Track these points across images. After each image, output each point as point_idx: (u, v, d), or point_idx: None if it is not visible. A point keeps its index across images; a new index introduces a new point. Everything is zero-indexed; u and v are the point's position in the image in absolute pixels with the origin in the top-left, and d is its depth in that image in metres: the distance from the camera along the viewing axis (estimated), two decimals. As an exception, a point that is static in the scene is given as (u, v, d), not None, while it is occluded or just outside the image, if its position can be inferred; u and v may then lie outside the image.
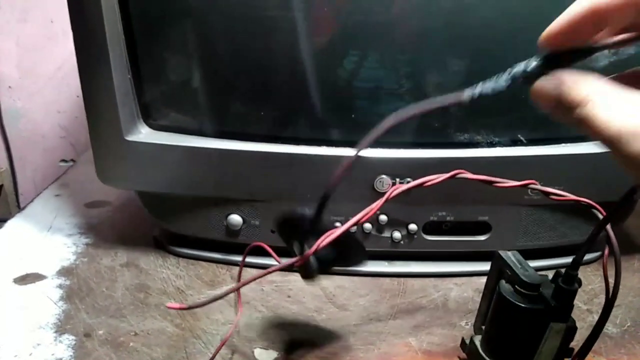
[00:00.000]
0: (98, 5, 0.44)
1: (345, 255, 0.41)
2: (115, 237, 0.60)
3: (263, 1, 0.46)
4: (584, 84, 0.23)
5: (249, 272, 0.54)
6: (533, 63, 0.25)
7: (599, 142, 0.22)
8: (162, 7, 0.47)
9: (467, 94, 0.27)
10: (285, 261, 0.34)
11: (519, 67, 0.25)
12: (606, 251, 0.35)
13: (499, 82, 0.26)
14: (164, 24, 0.48)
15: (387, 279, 0.53)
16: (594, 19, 0.23)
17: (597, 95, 0.22)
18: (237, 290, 0.42)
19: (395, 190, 0.35)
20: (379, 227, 0.53)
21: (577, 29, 0.24)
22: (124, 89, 0.48)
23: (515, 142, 0.49)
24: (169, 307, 0.36)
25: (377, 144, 0.49)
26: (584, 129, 0.23)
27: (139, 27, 0.47)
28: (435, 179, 0.36)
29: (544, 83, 0.24)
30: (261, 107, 0.50)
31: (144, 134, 0.50)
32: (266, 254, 0.54)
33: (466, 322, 0.47)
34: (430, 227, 0.52)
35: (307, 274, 0.37)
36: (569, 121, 0.23)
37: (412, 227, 0.52)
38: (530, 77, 0.25)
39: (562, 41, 0.24)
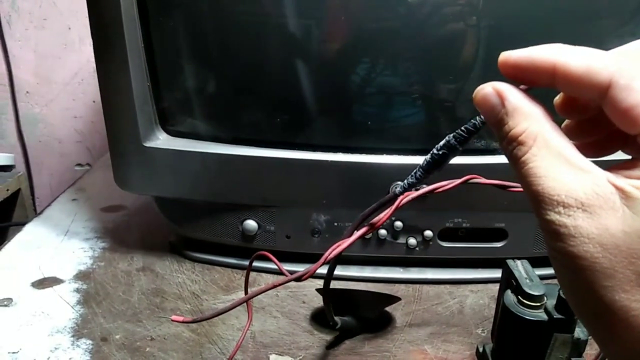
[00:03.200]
0: (118, 14, 0.45)
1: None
2: (131, 242, 0.61)
3: (280, 10, 0.46)
4: (526, 118, 0.21)
5: (262, 277, 0.55)
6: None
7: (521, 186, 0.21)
8: (180, 16, 0.48)
9: (398, 189, 0.28)
10: (292, 275, 0.33)
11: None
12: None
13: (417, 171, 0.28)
14: (182, 33, 0.48)
15: (402, 286, 0.53)
16: (549, 76, 0.21)
17: (537, 142, 0.20)
18: (246, 301, 0.41)
19: (405, 197, 0.34)
20: (394, 233, 0.52)
21: (532, 75, 0.21)
22: (142, 96, 0.48)
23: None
24: (174, 320, 0.36)
25: (391, 150, 0.50)
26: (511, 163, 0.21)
27: (157, 36, 0.47)
28: (447, 184, 0.36)
29: (487, 92, 0.22)
30: (277, 113, 0.50)
31: (162, 140, 0.50)
32: (280, 259, 0.54)
33: (482, 330, 0.47)
34: (446, 234, 0.52)
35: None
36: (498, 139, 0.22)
37: (428, 233, 0.52)
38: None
39: (514, 74, 0.22)
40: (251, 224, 0.53)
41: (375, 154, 0.49)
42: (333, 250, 0.32)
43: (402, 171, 0.48)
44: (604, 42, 0.46)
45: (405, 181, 0.29)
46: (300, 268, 0.55)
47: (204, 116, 0.52)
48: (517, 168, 0.21)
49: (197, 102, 0.51)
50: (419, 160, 0.48)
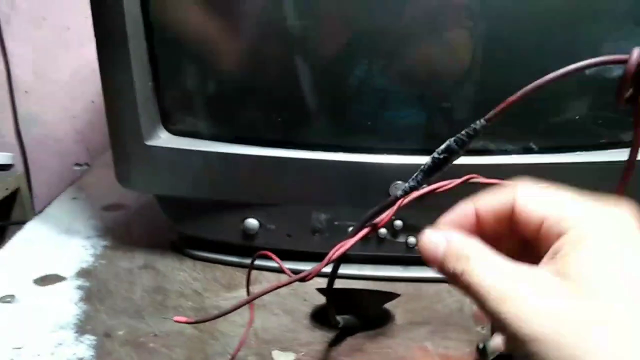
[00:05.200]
0: (121, 12, 0.45)
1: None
2: (132, 240, 0.61)
3: (280, 9, 0.46)
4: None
5: (263, 275, 0.55)
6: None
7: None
8: (182, 15, 0.48)
9: (399, 192, 0.29)
10: (296, 275, 0.34)
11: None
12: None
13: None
14: (182, 32, 0.49)
15: (402, 284, 0.54)
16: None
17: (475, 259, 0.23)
18: (249, 302, 0.41)
19: (406, 198, 0.35)
20: (394, 232, 0.53)
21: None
22: (144, 95, 0.49)
23: (528, 150, 0.50)
24: (176, 321, 0.36)
25: (392, 150, 0.51)
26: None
27: (159, 35, 0.48)
28: (448, 184, 0.36)
29: (428, 243, 0.26)
30: (278, 113, 0.51)
31: (164, 139, 0.51)
32: (282, 258, 0.55)
33: (482, 327, 0.47)
34: (445, 233, 0.53)
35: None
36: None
37: (427, 232, 0.52)
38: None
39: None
40: (252, 222, 0.53)
41: (375, 154, 0.49)
42: (337, 250, 0.33)
43: (402, 171, 0.49)
44: (600, 44, 0.48)
45: (407, 184, 0.29)
46: (302, 266, 0.55)
47: (205, 115, 0.52)
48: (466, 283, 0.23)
49: (198, 101, 0.52)
50: (418, 159, 0.49)
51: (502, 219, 0.26)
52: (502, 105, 0.25)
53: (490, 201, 0.26)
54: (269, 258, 0.56)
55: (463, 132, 0.26)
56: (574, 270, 0.21)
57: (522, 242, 0.26)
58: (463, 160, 0.49)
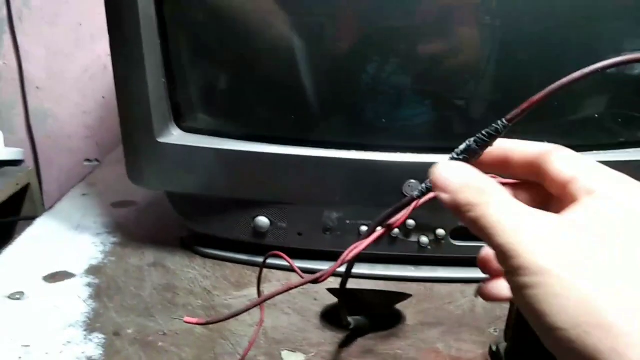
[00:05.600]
0: (135, 10, 0.45)
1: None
2: (142, 237, 0.61)
3: (294, 6, 0.46)
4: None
5: (273, 274, 0.55)
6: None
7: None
8: (197, 12, 0.48)
9: (416, 192, 0.28)
10: (308, 277, 0.33)
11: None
12: None
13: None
14: (196, 29, 0.49)
15: (414, 284, 0.53)
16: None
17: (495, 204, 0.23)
18: (259, 304, 0.40)
19: (422, 199, 0.34)
20: (406, 231, 0.52)
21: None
22: (157, 92, 0.48)
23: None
24: (186, 322, 0.36)
25: (405, 148, 0.50)
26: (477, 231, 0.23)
27: (173, 32, 0.48)
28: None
29: (446, 169, 0.25)
30: (290, 111, 0.50)
31: (176, 136, 0.50)
32: (292, 257, 0.54)
33: (494, 329, 0.46)
34: (459, 232, 0.52)
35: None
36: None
37: (440, 232, 0.52)
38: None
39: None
40: (263, 220, 0.53)
41: (388, 152, 0.49)
42: (351, 251, 0.32)
43: (415, 169, 0.48)
44: (620, 43, 0.46)
45: (424, 185, 0.28)
46: (312, 265, 0.55)
47: (217, 113, 0.52)
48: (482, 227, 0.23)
49: (211, 98, 0.51)
50: (432, 158, 0.48)
51: (531, 167, 0.26)
52: (524, 105, 0.24)
53: (525, 147, 0.26)
54: (280, 257, 0.56)
55: (484, 131, 0.25)
56: (593, 221, 0.22)
57: (543, 197, 0.26)
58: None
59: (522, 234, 0.21)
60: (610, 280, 0.20)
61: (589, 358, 0.19)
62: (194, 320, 0.36)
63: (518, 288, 0.21)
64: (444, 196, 0.24)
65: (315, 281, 0.32)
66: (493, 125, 0.24)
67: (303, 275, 0.33)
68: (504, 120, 0.24)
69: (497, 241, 0.22)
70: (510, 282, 0.22)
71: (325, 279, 0.31)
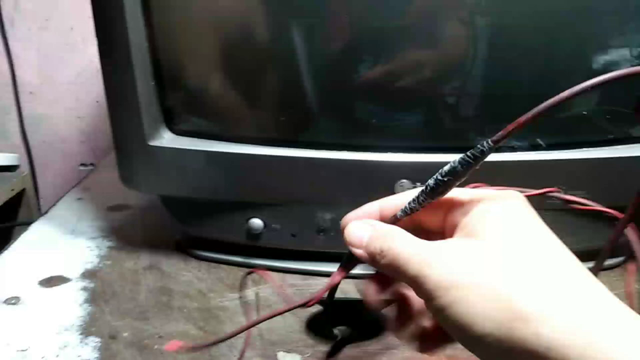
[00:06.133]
0: (122, 13, 0.45)
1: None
2: (137, 241, 0.61)
3: (283, 7, 0.46)
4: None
5: (268, 275, 0.55)
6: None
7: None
8: (184, 15, 0.48)
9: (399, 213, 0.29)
10: (296, 302, 0.33)
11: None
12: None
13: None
14: (185, 32, 0.49)
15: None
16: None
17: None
18: (249, 328, 0.40)
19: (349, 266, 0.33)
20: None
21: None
22: (147, 95, 0.48)
23: (535, 147, 0.49)
24: (167, 350, 0.35)
25: (397, 148, 0.50)
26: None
27: (161, 35, 0.48)
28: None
29: (355, 229, 0.29)
30: (281, 112, 0.50)
31: (167, 139, 0.50)
32: (286, 257, 0.55)
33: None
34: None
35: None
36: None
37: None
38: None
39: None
40: (257, 222, 0.53)
41: (380, 152, 0.49)
42: (335, 276, 0.32)
43: (407, 169, 0.49)
44: (608, 39, 0.47)
45: (407, 205, 0.29)
46: (307, 266, 0.55)
47: (208, 115, 0.52)
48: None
49: (201, 101, 0.51)
50: (423, 157, 0.49)
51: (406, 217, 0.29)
52: (510, 127, 0.24)
53: (395, 201, 0.30)
54: (274, 257, 0.56)
55: (469, 153, 0.25)
56: (480, 231, 0.25)
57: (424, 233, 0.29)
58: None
59: (429, 261, 0.24)
60: (514, 276, 0.22)
61: (519, 350, 0.21)
62: (176, 346, 0.36)
63: (440, 311, 0.23)
64: (358, 252, 0.28)
65: (304, 305, 0.32)
66: (478, 146, 0.24)
67: (292, 299, 0.33)
68: (489, 141, 0.24)
69: (410, 274, 0.24)
70: (432, 309, 0.24)
71: (313, 303, 0.32)
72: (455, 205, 0.27)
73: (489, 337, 0.21)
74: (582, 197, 0.38)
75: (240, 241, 0.55)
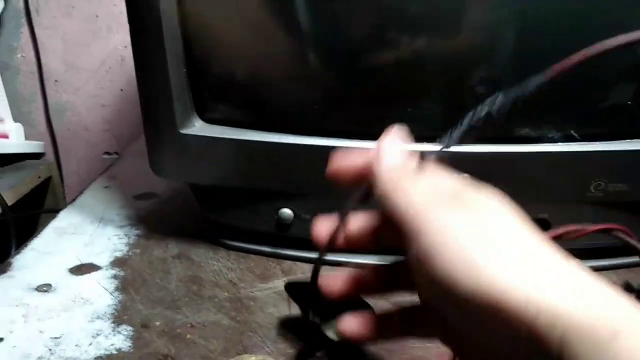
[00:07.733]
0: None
1: None
2: (165, 229, 0.61)
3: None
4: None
5: (297, 266, 0.54)
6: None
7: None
8: (215, 2, 0.47)
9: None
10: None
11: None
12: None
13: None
14: (218, 16, 0.48)
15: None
16: None
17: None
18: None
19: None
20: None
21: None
22: (179, 83, 0.48)
23: (570, 138, 0.48)
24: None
25: (426, 139, 0.49)
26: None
27: (194, 22, 0.47)
28: (582, 230, 0.33)
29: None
30: (314, 101, 0.49)
31: (198, 127, 0.50)
32: (316, 249, 0.54)
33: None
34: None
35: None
36: None
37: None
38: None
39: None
40: (287, 212, 0.52)
41: (415, 142, 0.48)
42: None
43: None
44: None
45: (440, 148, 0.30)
46: (335, 258, 0.54)
47: (240, 103, 0.51)
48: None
49: (234, 89, 0.51)
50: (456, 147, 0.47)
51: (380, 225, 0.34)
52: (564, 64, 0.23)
53: (361, 219, 0.35)
54: (303, 249, 0.55)
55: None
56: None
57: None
58: (501, 148, 0.47)
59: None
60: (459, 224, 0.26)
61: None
62: None
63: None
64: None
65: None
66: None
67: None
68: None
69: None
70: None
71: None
72: None
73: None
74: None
75: (269, 231, 0.54)
